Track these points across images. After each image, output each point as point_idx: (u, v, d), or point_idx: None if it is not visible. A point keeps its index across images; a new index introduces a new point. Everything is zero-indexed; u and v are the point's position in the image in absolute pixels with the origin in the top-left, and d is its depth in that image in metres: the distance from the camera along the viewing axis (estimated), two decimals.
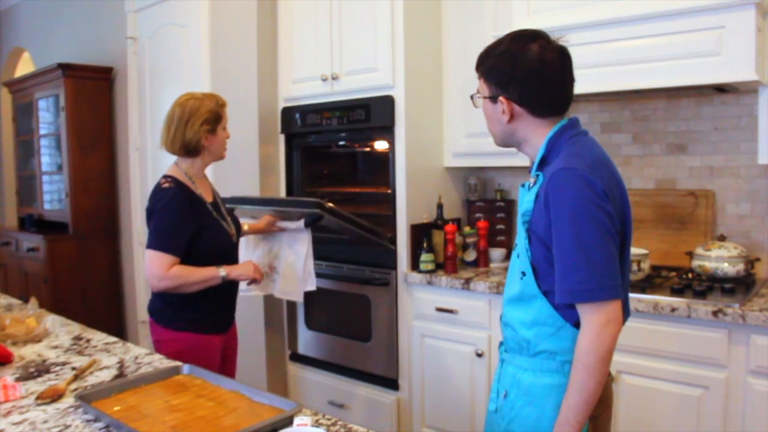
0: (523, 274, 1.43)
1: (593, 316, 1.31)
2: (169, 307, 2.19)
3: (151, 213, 2.13)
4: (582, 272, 1.30)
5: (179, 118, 2.18)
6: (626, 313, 1.45)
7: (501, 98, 1.44)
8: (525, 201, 1.44)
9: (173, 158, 2.28)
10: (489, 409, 1.56)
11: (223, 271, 2.16)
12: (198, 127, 2.17)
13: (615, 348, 1.33)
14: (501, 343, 1.61)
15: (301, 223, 2.69)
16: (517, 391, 1.46)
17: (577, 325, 1.39)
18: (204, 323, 2.21)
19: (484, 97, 1.49)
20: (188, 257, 2.13)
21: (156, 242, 2.09)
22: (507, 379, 1.50)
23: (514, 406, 1.46)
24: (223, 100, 2.27)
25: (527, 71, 1.41)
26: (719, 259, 2.44)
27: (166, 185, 2.14)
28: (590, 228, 1.30)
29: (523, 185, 1.50)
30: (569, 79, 1.46)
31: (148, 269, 2.09)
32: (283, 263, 2.75)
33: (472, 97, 1.55)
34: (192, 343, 2.17)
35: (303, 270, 2.68)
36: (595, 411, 1.38)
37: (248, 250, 2.88)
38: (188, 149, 2.19)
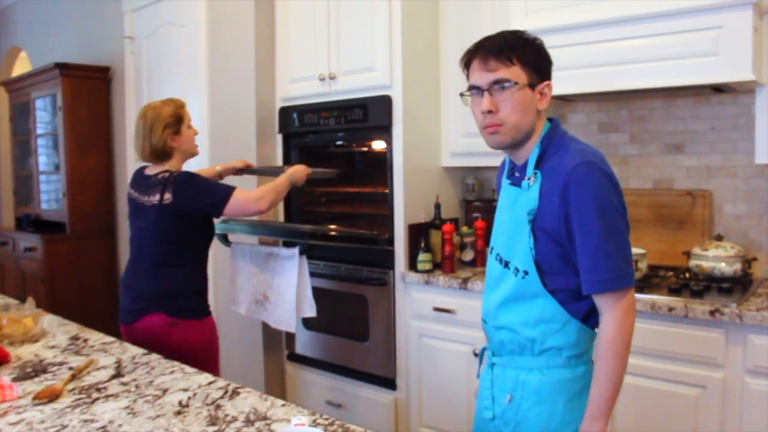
0: (525, 273, 1.43)
1: (618, 303, 1.36)
2: (195, 299, 2.35)
3: (185, 187, 2.26)
4: (612, 261, 1.35)
5: (143, 128, 2.34)
6: None
7: (547, 83, 1.46)
8: (528, 200, 1.43)
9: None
10: (483, 417, 1.54)
11: (288, 177, 2.54)
12: (161, 132, 2.31)
13: None
14: (485, 348, 1.60)
15: (295, 250, 2.68)
16: (522, 392, 1.45)
17: (583, 319, 1.42)
18: (207, 304, 2.43)
19: (526, 85, 1.42)
20: (185, 247, 2.33)
21: (221, 188, 2.31)
22: (508, 382, 1.49)
23: (520, 409, 1.45)
24: (181, 102, 2.42)
25: (550, 60, 1.49)
26: (716, 258, 2.44)
27: (172, 172, 2.32)
28: (615, 218, 1.37)
29: (516, 185, 1.49)
30: None
31: (244, 204, 2.31)
32: (276, 293, 2.75)
33: (501, 85, 1.42)
34: (212, 325, 2.41)
35: (296, 299, 2.67)
36: None
37: (242, 279, 2.88)
38: (157, 154, 2.34)
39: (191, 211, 2.28)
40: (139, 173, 2.41)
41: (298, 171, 2.61)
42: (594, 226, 1.34)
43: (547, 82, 1.46)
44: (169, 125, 2.33)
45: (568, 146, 1.44)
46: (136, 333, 2.28)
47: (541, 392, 1.43)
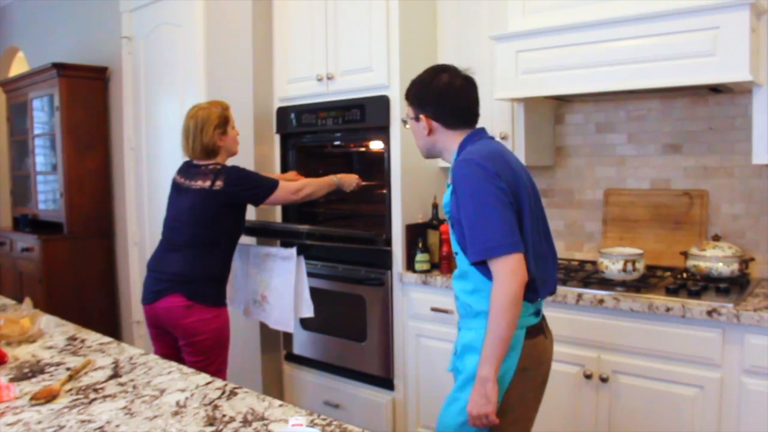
0: (456, 253, 1.77)
1: (499, 268, 1.61)
2: (214, 286, 2.52)
3: (236, 177, 2.52)
4: (484, 234, 1.62)
5: (194, 127, 2.54)
6: (550, 286, 1.79)
7: (421, 116, 1.84)
8: (446, 195, 1.78)
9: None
10: (448, 369, 1.87)
11: (336, 179, 2.89)
12: (212, 132, 2.54)
13: (521, 297, 1.61)
14: None
15: (293, 251, 2.69)
16: (462, 346, 1.77)
17: None
18: (224, 295, 2.60)
19: (411, 118, 1.88)
20: (217, 234, 2.51)
21: (267, 179, 2.60)
22: (459, 339, 1.80)
23: (462, 359, 1.76)
24: (227, 104, 2.65)
25: (437, 94, 1.82)
26: (714, 258, 2.45)
27: (223, 164, 2.59)
28: (486, 199, 1.63)
29: (448, 185, 1.80)
30: (473, 99, 1.85)
31: (284, 195, 2.63)
32: (274, 293, 2.75)
33: (404, 121, 1.95)
34: (227, 316, 2.57)
35: (293, 299, 2.69)
36: (524, 363, 1.69)
37: (240, 279, 2.89)
38: (207, 152, 2.56)
39: (239, 199, 2.54)
40: (189, 163, 2.64)
41: (348, 177, 2.95)
42: (468, 208, 1.65)
43: (421, 116, 1.84)
44: (218, 126, 2.56)
45: (467, 149, 1.76)
46: (156, 312, 2.48)
47: (474, 346, 1.71)
